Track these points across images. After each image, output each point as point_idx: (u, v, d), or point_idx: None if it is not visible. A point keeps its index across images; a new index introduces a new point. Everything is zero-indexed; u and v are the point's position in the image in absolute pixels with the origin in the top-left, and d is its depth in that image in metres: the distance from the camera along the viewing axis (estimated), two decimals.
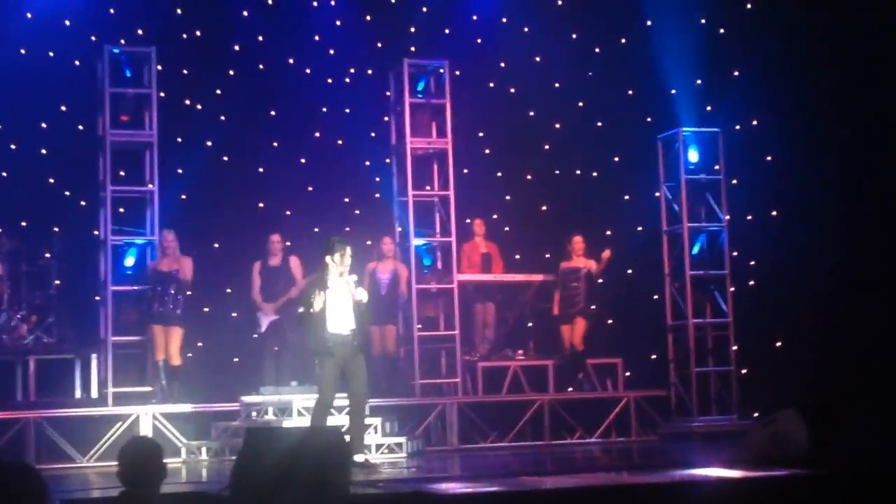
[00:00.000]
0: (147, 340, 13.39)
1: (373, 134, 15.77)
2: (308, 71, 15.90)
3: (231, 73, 15.65)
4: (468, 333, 14.68)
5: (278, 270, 13.66)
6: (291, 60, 15.89)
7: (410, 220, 14.34)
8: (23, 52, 14.77)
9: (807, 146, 14.58)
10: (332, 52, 15.98)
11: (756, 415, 13.10)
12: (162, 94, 14.08)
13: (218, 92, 15.53)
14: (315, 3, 16.16)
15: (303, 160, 15.82)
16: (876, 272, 13.82)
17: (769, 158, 15.18)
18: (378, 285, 13.91)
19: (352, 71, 16.10)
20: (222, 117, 15.50)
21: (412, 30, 16.15)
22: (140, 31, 15.00)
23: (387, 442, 12.32)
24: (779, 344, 14.68)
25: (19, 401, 13.13)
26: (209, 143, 15.41)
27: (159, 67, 13.94)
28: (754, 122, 15.39)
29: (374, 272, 13.95)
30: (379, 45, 15.96)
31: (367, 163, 15.87)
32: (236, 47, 15.78)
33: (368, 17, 16.08)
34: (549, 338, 14.89)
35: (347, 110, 15.93)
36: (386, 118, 15.24)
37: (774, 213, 15.14)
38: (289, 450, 7.37)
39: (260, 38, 15.82)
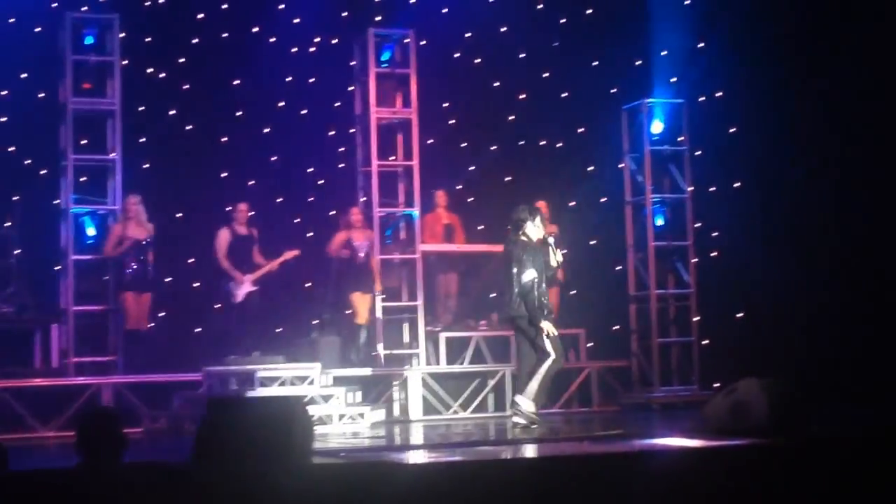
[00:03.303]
0: (116, 309, 13.32)
1: (337, 104, 15.69)
2: (272, 40, 15.78)
3: (195, 41, 15.51)
4: (431, 304, 14.69)
5: (247, 239, 13.63)
6: (256, 29, 15.76)
7: (374, 190, 14.31)
8: None
9: (770, 118, 14.63)
10: (296, 20, 15.86)
11: (717, 385, 13.18)
12: (125, 62, 13.98)
13: (181, 60, 15.42)
14: None
15: (266, 130, 15.73)
16: (837, 244, 13.90)
17: (733, 130, 15.23)
18: (356, 252, 13.90)
19: (316, 40, 16.00)
20: (186, 86, 15.38)
21: None
22: None
23: (349, 412, 12.35)
24: (740, 315, 14.77)
25: None
26: (172, 112, 15.31)
27: (122, 35, 13.83)
28: (718, 94, 15.42)
29: (349, 241, 13.91)
30: (344, 14, 15.89)
31: (332, 133, 15.82)
32: (200, 15, 15.64)
33: None
34: None
35: (312, 80, 15.83)
36: (350, 88, 15.17)
37: (737, 184, 15.19)
38: (251, 420, 7.36)
39: (224, 6, 15.69)
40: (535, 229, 10.86)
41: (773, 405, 9.50)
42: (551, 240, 11.01)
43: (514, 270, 10.74)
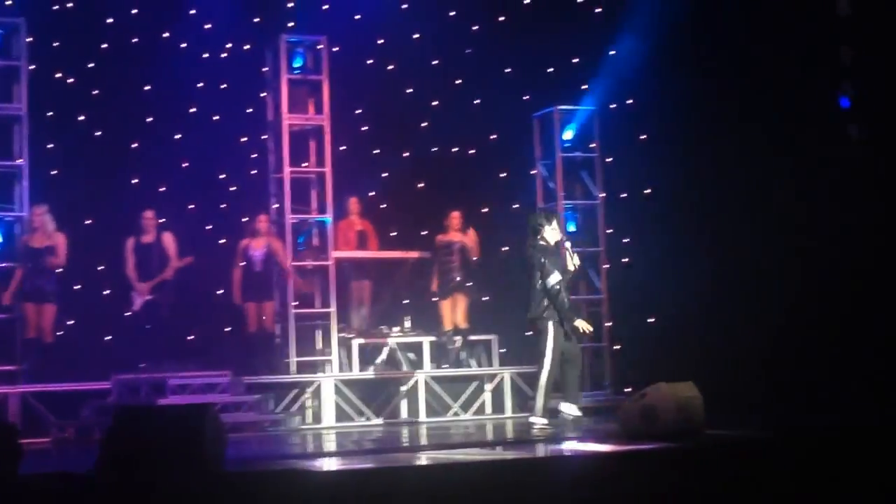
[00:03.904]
0: (17, 318, 13.15)
1: (249, 110, 15.62)
2: (183, 45, 15.62)
3: (104, 46, 15.33)
4: (344, 310, 14.66)
5: (152, 247, 13.58)
6: (166, 34, 15.60)
7: (287, 196, 14.28)
8: None
9: (679, 125, 14.77)
10: (208, 26, 15.74)
11: (628, 390, 13.29)
12: (32, 67, 13.80)
13: (90, 65, 15.24)
14: None
15: (177, 136, 15.58)
16: (745, 249, 14.06)
17: (643, 137, 15.36)
18: (251, 262, 13.86)
19: (228, 46, 15.86)
20: (95, 91, 15.19)
21: (290, 5, 16.01)
22: (8, 2, 14.63)
23: (261, 419, 12.28)
24: (651, 320, 14.89)
25: None
26: (81, 118, 15.12)
27: (29, 39, 13.65)
28: (629, 101, 15.55)
29: (246, 249, 13.91)
30: (256, 19, 15.81)
31: (244, 139, 15.72)
32: (109, 20, 15.46)
33: None
34: (424, 314, 14.93)
35: (223, 86, 15.72)
36: (263, 94, 15.12)
37: (648, 191, 15.33)
38: (159, 428, 7.30)
39: (134, 11, 15.52)
40: (552, 232, 11.00)
41: (680, 409, 9.61)
42: (568, 244, 11.11)
43: (538, 275, 10.85)
